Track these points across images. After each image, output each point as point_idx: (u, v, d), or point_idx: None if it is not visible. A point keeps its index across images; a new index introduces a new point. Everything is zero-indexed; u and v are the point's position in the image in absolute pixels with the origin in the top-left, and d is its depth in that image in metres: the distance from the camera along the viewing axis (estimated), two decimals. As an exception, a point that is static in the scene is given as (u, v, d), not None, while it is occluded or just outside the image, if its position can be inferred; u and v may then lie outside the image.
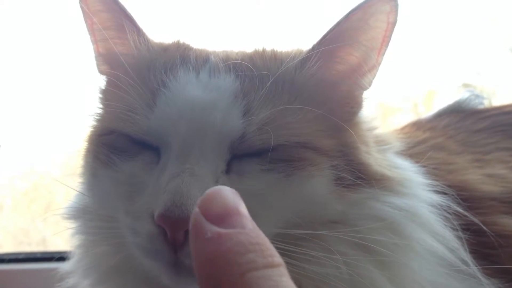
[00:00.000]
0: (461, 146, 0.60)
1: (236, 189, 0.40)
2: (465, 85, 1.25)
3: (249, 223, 0.25)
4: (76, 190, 0.51)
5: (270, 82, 0.42)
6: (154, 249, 0.39)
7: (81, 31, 0.51)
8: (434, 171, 0.50)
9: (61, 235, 1.22)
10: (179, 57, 0.46)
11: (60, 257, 0.56)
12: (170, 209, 0.37)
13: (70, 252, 0.54)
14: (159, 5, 1.15)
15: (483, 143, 0.61)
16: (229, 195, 0.26)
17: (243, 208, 0.26)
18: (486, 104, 0.72)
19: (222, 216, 0.24)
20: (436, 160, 0.54)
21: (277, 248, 0.39)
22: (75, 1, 0.49)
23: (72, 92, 1.15)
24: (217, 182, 0.40)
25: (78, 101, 1.14)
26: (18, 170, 0.93)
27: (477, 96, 0.71)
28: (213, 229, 0.24)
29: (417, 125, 0.67)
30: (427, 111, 1.26)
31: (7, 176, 0.91)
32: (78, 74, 1.13)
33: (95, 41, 0.51)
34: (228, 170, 0.42)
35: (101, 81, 0.53)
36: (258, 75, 0.43)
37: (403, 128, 0.68)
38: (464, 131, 0.64)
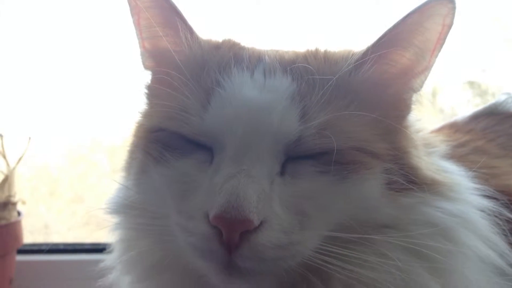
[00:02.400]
0: (502, 150, 0.60)
1: (290, 190, 0.40)
2: (470, 83, 1.24)
3: None
4: (121, 185, 0.51)
5: (327, 86, 0.42)
6: (208, 249, 0.39)
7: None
8: (480, 175, 0.50)
9: (64, 223, 1.24)
10: (232, 57, 0.46)
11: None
12: (227, 210, 0.37)
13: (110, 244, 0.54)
14: None
15: None
16: None
17: None
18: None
19: None
20: (479, 163, 0.54)
21: (328, 250, 0.39)
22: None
23: (75, 83, 1.16)
24: (272, 184, 0.40)
25: (82, 91, 1.16)
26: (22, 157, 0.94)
27: (514, 99, 0.71)
28: None
29: (455, 127, 0.67)
30: (432, 108, 1.26)
31: (11, 162, 0.91)
32: (87, 63, 1.14)
33: (141, 38, 0.50)
34: (282, 172, 0.41)
35: (147, 77, 0.52)
36: (314, 77, 0.43)
37: (440, 130, 0.67)
38: (504, 134, 0.63)
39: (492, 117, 0.68)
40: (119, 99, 1.03)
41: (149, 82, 0.52)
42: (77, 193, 1.26)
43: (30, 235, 1.22)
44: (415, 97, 0.48)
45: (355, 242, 0.41)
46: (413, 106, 0.48)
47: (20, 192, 0.96)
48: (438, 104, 1.30)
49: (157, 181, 0.45)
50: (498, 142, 0.61)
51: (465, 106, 1.30)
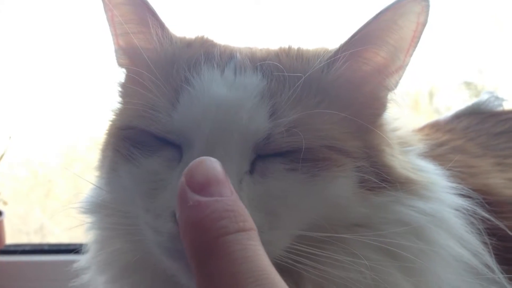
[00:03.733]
0: (482, 149, 0.60)
1: (260, 189, 0.40)
2: (467, 83, 1.24)
3: (227, 191, 0.28)
4: (93, 184, 0.50)
5: (298, 83, 0.42)
6: (175, 249, 0.38)
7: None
8: (457, 174, 0.49)
9: (59, 224, 1.23)
10: (203, 54, 0.45)
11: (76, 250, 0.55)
12: None
13: (84, 246, 0.54)
14: (159, 4, 1.15)
15: (503, 146, 0.60)
16: (210, 165, 0.29)
17: (222, 177, 0.29)
18: (504, 106, 0.71)
19: (203, 186, 0.28)
20: (458, 163, 0.54)
21: (299, 250, 0.39)
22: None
23: (70, 82, 1.15)
24: (240, 183, 0.40)
25: (77, 92, 1.15)
26: (17, 158, 0.93)
27: (497, 98, 0.70)
28: (194, 197, 0.27)
29: (436, 126, 0.67)
30: (428, 108, 1.26)
31: (7, 163, 0.91)
32: (77, 65, 1.13)
33: (115, 34, 0.50)
34: (252, 170, 0.41)
35: (120, 74, 0.52)
36: (284, 75, 0.42)
37: (422, 129, 0.67)
38: (484, 133, 0.63)
39: (473, 116, 0.67)
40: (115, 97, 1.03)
41: (122, 80, 0.51)
42: (73, 193, 1.25)
43: (25, 236, 1.22)
44: (390, 95, 0.47)
45: (328, 241, 0.41)
46: (388, 105, 0.47)
47: (16, 194, 0.95)
48: (434, 105, 1.30)
49: (125, 179, 0.44)
50: (478, 141, 0.61)
51: (461, 107, 1.31)
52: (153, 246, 0.41)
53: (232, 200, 0.28)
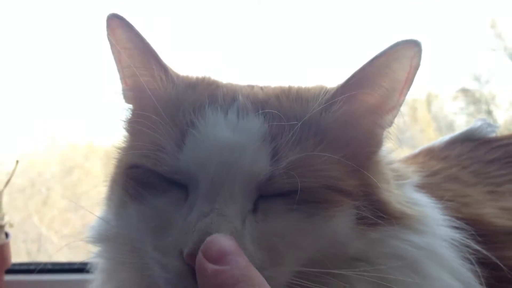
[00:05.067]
0: (474, 178, 0.61)
1: (262, 228, 0.42)
2: (464, 90, 1.25)
3: (242, 259, 0.33)
4: (101, 218, 0.52)
5: (297, 127, 0.44)
6: (182, 286, 0.40)
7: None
8: (450, 204, 0.51)
9: (56, 234, 1.23)
10: (207, 97, 0.47)
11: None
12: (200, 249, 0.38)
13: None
14: (158, 4, 1.15)
15: (496, 174, 0.62)
16: (224, 240, 0.35)
17: (236, 248, 0.34)
18: (498, 132, 0.73)
19: (219, 257, 0.33)
20: (451, 192, 0.56)
21: (299, 285, 0.41)
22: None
23: (67, 92, 1.16)
24: (244, 222, 0.42)
25: (74, 101, 1.16)
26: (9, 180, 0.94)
27: (490, 125, 0.72)
28: (212, 267, 0.32)
29: (430, 154, 0.68)
30: (426, 115, 1.27)
31: (4, 171, 0.92)
32: (74, 74, 1.14)
33: (123, 75, 0.52)
34: (254, 209, 0.43)
35: (127, 111, 0.54)
36: (286, 118, 0.44)
37: (416, 156, 0.69)
38: (477, 161, 0.65)
39: (466, 143, 0.69)
40: (113, 103, 1.04)
41: (129, 117, 0.53)
42: (71, 201, 1.26)
43: (23, 244, 1.23)
44: (385, 133, 0.49)
45: (325, 276, 0.42)
46: (383, 142, 0.49)
47: (13, 202, 0.96)
48: (432, 112, 1.31)
49: (134, 217, 0.46)
50: (471, 169, 0.63)
51: (459, 114, 1.31)
52: (161, 281, 0.43)
53: (247, 268, 0.32)
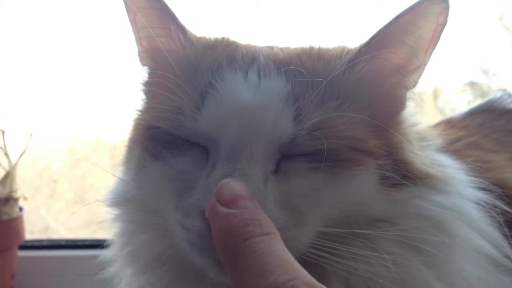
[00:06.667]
0: (496, 145, 0.61)
1: (284, 188, 0.41)
2: (471, 84, 1.24)
3: (251, 204, 0.34)
4: (120, 179, 0.51)
5: (321, 87, 0.42)
6: (205, 246, 0.40)
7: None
8: (474, 169, 0.50)
9: (64, 224, 1.24)
10: (225, 57, 0.46)
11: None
12: None
13: (110, 239, 0.55)
14: None
15: None
16: (236, 185, 0.35)
17: (247, 193, 0.34)
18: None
19: (231, 201, 0.33)
20: (474, 157, 0.55)
21: (322, 246, 0.40)
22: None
23: (73, 84, 1.16)
24: (266, 182, 0.41)
25: (81, 93, 1.16)
26: (22, 158, 0.95)
27: (510, 95, 0.71)
28: (224, 210, 0.33)
29: (451, 123, 0.68)
30: (433, 109, 1.25)
31: (12, 158, 0.92)
32: (79, 67, 1.14)
33: (138, 37, 0.51)
34: (276, 170, 0.42)
35: (143, 73, 0.53)
36: (309, 77, 0.43)
37: (437, 126, 0.68)
38: (498, 130, 0.64)
39: (487, 113, 0.68)
40: (120, 98, 1.04)
41: (146, 79, 0.52)
42: (78, 193, 1.27)
43: (30, 236, 1.24)
44: (409, 94, 0.48)
45: (349, 237, 0.42)
46: (407, 103, 0.48)
47: (21, 191, 0.97)
48: (439, 106, 1.30)
49: (154, 177, 0.45)
50: (493, 137, 0.62)
51: (466, 108, 1.30)
52: (182, 242, 0.42)
53: (257, 211, 0.33)
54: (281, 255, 0.30)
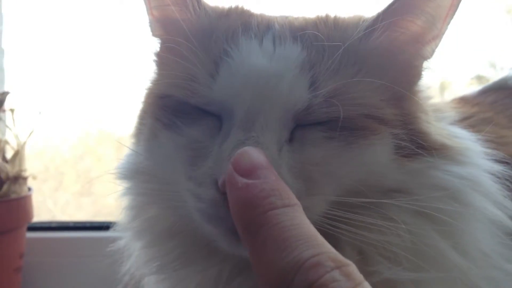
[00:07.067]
0: (510, 122, 0.60)
1: (299, 157, 0.41)
2: (479, 77, 1.22)
3: (271, 174, 0.32)
4: (131, 149, 0.51)
5: (337, 53, 0.42)
6: (217, 215, 0.39)
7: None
8: (489, 142, 0.50)
9: (72, 217, 1.25)
10: (240, 25, 0.45)
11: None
12: None
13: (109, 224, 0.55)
14: None
15: None
16: (255, 153, 0.33)
17: (266, 163, 0.33)
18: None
19: (250, 171, 0.32)
20: (489, 132, 0.54)
21: (335, 215, 0.40)
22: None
23: (79, 75, 1.16)
24: (280, 151, 0.40)
25: (87, 86, 1.16)
26: (29, 150, 0.95)
27: (524, 73, 0.70)
28: (243, 180, 0.31)
29: (464, 100, 0.67)
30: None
31: (21, 137, 0.93)
32: (86, 59, 1.13)
33: (149, 6, 0.50)
34: (291, 139, 0.42)
35: (155, 44, 0.52)
36: (324, 45, 0.42)
37: (449, 104, 0.67)
38: None
39: (500, 91, 0.67)
40: (127, 91, 1.04)
41: (158, 49, 0.52)
42: (84, 186, 1.28)
43: None
44: (425, 64, 0.47)
45: (364, 207, 0.41)
46: (423, 73, 0.48)
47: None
48: (445, 99, 1.28)
49: (166, 146, 0.45)
50: (506, 114, 0.61)
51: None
52: (194, 212, 0.42)
53: (277, 182, 0.31)
54: (304, 228, 0.29)
